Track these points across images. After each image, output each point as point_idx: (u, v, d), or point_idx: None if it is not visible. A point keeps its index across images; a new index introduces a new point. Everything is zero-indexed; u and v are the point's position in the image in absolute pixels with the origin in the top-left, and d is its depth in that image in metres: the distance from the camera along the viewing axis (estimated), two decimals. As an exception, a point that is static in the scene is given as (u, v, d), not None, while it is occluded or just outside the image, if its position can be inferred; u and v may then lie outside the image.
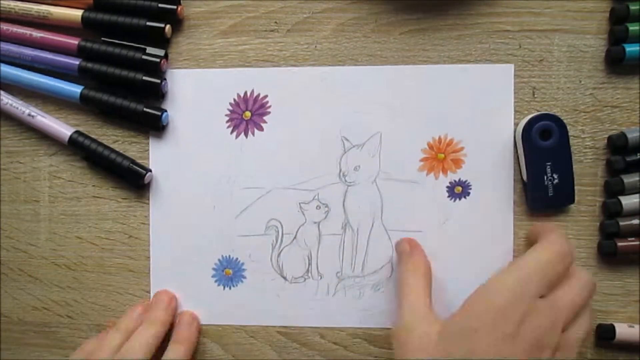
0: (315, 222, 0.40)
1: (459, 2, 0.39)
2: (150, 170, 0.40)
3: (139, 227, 0.41)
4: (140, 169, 0.40)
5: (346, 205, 0.39)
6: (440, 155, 0.39)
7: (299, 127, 0.39)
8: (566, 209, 0.38)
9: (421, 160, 0.39)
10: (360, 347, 0.40)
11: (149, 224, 0.41)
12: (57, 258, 0.42)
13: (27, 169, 0.42)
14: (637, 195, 0.37)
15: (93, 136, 0.41)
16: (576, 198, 0.38)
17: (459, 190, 0.39)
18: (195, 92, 0.40)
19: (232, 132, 0.40)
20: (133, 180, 0.40)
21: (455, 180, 0.39)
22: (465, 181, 0.39)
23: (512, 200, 0.38)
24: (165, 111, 0.40)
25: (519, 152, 0.38)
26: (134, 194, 0.41)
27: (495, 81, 0.38)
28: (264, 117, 0.40)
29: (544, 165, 0.36)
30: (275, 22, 0.40)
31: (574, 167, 0.37)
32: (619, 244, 0.37)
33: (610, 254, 0.37)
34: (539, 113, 0.37)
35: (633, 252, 0.37)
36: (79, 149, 0.40)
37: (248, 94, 0.40)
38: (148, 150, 0.41)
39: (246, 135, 0.40)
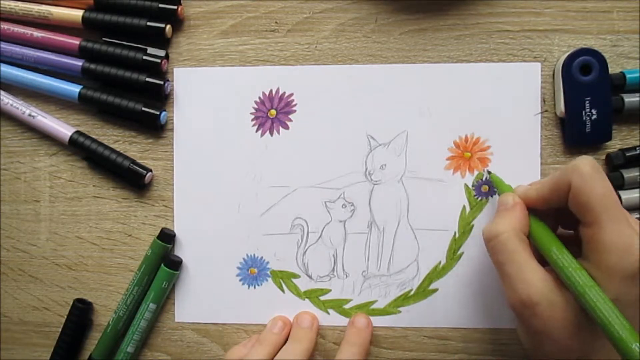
0: (340, 221, 0.40)
1: (459, 2, 0.39)
2: (151, 170, 0.40)
3: (139, 227, 0.41)
4: (141, 169, 0.40)
5: (372, 204, 0.39)
6: (467, 154, 0.39)
7: (324, 126, 0.40)
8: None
9: (447, 159, 0.39)
10: (361, 347, 0.40)
11: (149, 224, 0.41)
12: (57, 258, 0.42)
13: (28, 169, 0.42)
14: (637, 190, 0.37)
15: (93, 136, 0.41)
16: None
17: (485, 189, 0.39)
18: (219, 90, 0.40)
19: (257, 130, 0.40)
20: (133, 180, 0.40)
21: (481, 179, 0.39)
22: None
23: None
24: (164, 110, 0.40)
25: (556, 87, 0.38)
26: (135, 194, 0.41)
27: (522, 79, 0.38)
28: (290, 116, 0.40)
29: (582, 101, 0.36)
30: (276, 22, 0.40)
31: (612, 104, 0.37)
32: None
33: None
34: (579, 48, 0.37)
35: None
36: (79, 149, 0.40)
37: (273, 92, 0.40)
38: (148, 150, 0.41)
39: (271, 133, 0.40)
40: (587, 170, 0.30)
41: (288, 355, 0.37)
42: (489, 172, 0.38)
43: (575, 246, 0.32)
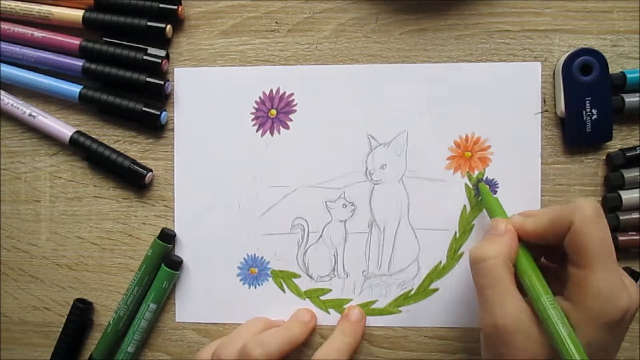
0: (341, 221, 0.40)
1: (459, 2, 0.39)
2: (151, 170, 0.40)
3: (139, 227, 0.41)
4: (141, 169, 0.40)
5: (372, 204, 0.39)
6: (467, 154, 0.39)
7: (325, 125, 0.40)
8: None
9: (448, 158, 0.39)
10: (361, 347, 0.40)
11: (149, 224, 0.41)
12: (57, 258, 0.42)
13: (28, 169, 0.42)
14: (637, 189, 0.37)
15: (94, 136, 0.41)
16: (576, 197, 0.38)
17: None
18: (219, 90, 0.40)
19: (257, 130, 0.40)
20: (134, 180, 0.40)
21: (482, 179, 0.39)
22: (492, 179, 0.39)
23: (539, 199, 0.38)
24: (165, 110, 0.40)
25: (556, 87, 0.38)
26: (135, 194, 0.41)
27: (522, 79, 0.38)
28: (290, 115, 0.40)
29: (583, 101, 0.37)
30: (276, 22, 0.40)
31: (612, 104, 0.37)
32: (620, 238, 0.37)
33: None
34: (579, 48, 0.37)
35: (633, 246, 0.37)
36: (79, 149, 0.40)
37: (274, 92, 0.40)
38: (148, 150, 0.41)
39: (272, 133, 0.40)
40: (590, 213, 0.30)
41: (339, 344, 0.37)
42: (479, 181, 0.38)
43: (557, 281, 0.32)
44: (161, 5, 0.39)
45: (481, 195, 0.38)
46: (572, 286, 0.30)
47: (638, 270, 0.38)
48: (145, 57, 0.39)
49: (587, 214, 0.30)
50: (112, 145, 0.41)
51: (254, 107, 0.40)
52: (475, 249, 0.33)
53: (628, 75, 0.37)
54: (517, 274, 0.32)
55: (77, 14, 0.39)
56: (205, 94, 0.40)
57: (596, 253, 0.29)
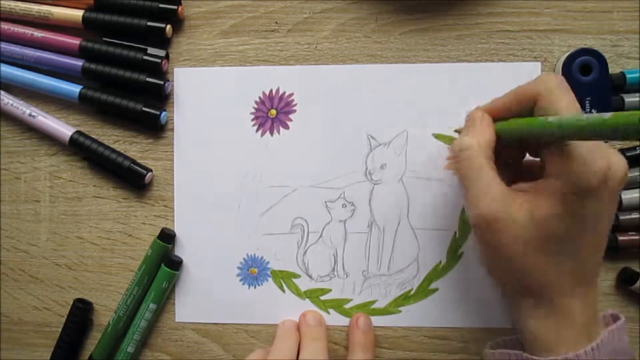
0: (341, 221, 0.40)
1: (459, 2, 0.39)
2: (151, 170, 0.40)
3: (139, 227, 0.41)
4: (141, 169, 0.40)
5: (372, 204, 0.39)
6: None
7: (324, 125, 0.40)
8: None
9: (448, 158, 0.39)
10: (361, 347, 0.40)
11: (149, 224, 0.41)
12: (57, 258, 0.42)
13: (28, 169, 0.42)
14: (637, 190, 0.37)
15: (93, 136, 0.41)
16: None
17: None
18: (219, 90, 0.40)
19: (257, 130, 0.40)
20: (134, 181, 0.40)
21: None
22: None
23: None
24: (164, 110, 0.40)
25: None
26: (135, 194, 0.41)
27: (522, 79, 0.38)
28: (290, 115, 0.40)
29: (583, 101, 0.37)
30: (276, 22, 0.40)
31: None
32: (620, 237, 0.37)
33: (611, 247, 0.37)
34: (579, 48, 0.37)
35: (633, 246, 0.37)
36: (79, 149, 0.40)
37: (273, 92, 0.40)
38: (148, 150, 0.41)
39: (272, 133, 0.40)
40: (554, 83, 0.30)
41: (313, 354, 0.36)
42: (457, 131, 0.38)
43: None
44: (161, 5, 0.39)
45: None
46: (549, 161, 0.30)
47: (638, 270, 0.38)
48: (145, 57, 0.39)
49: (551, 84, 0.30)
50: (112, 145, 0.41)
51: (254, 107, 0.40)
52: (456, 140, 0.33)
53: (628, 76, 0.37)
54: (508, 134, 0.32)
55: (77, 14, 0.40)
56: (205, 94, 0.40)
57: None
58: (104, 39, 0.40)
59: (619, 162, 0.29)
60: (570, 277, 0.30)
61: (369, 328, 0.39)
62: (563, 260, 0.30)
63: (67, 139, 0.40)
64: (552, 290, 0.30)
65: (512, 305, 0.32)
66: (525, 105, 0.31)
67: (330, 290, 0.40)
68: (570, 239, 0.29)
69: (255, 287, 0.40)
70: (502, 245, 0.30)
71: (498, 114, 0.33)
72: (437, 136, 0.39)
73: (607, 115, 0.25)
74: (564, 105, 0.29)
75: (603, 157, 0.28)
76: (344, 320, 0.40)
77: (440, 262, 0.39)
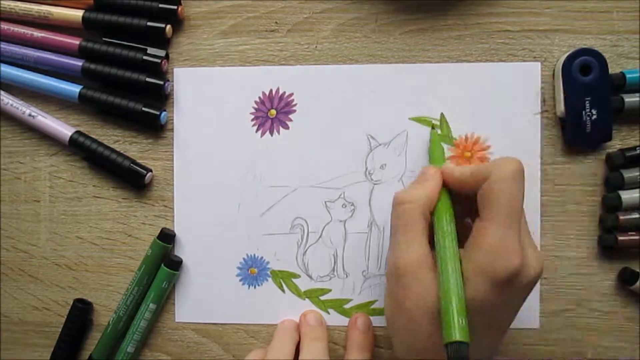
0: (341, 221, 0.40)
1: (459, 2, 0.39)
2: (151, 170, 0.40)
3: (139, 227, 0.41)
4: (141, 169, 0.40)
5: (372, 204, 0.39)
6: (467, 154, 0.39)
7: (324, 125, 0.40)
8: (566, 208, 0.38)
9: (448, 158, 0.39)
10: (361, 347, 0.40)
11: (149, 224, 0.41)
12: (57, 258, 0.42)
13: (28, 169, 0.42)
14: (637, 190, 0.37)
15: (93, 136, 0.41)
16: (577, 197, 0.38)
17: None
18: (219, 90, 0.40)
19: (257, 130, 0.40)
20: (133, 181, 0.40)
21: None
22: None
23: (538, 199, 0.38)
24: (164, 110, 0.40)
25: (556, 87, 0.38)
26: (135, 194, 0.41)
27: (522, 79, 0.38)
28: (290, 115, 0.40)
29: (582, 101, 0.37)
30: (276, 22, 0.40)
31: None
32: (620, 238, 0.37)
33: (611, 247, 0.38)
34: (579, 48, 0.37)
35: (633, 246, 0.37)
36: (79, 149, 0.40)
37: (273, 92, 0.40)
38: (148, 150, 0.41)
39: (271, 133, 0.40)
40: (508, 171, 0.31)
41: (313, 354, 0.36)
42: (433, 127, 0.38)
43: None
44: (161, 5, 0.39)
45: (430, 141, 0.38)
46: (471, 237, 0.31)
47: (638, 270, 0.38)
48: (145, 57, 0.39)
49: (503, 171, 0.30)
50: (112, 145, 0.41)
51: (254, 107, 0.40)
52: (399, 192, 0.34)
53: (628, 76, 0.37)
54: (433, 218, 0.33)
55: (76, 14, 0.39)
56: (205, 94, 0.40)
57: (500, 209, 0.30)
58: (103, 39, 0.40)
59: (536, 264, 0.30)
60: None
61: (367, 328, 0.39)
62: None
63: (67, 139, 0.40)
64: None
65: None
66: (478, 183, 0.32)
67: (330, 290, 0.40)
68: (470, 317, 0.29)
69: (255, 287, 0.40)
70: (405, 301, 0.31)
71: (451, 183, 0.34)
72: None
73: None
74: (506, 196, 0.30)
75: (516, 254, 0.29)
76: (344, 320, 0.40)
77: (440, 262, 0.39)
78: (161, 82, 0.39)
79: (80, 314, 0.41)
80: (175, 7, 0.39)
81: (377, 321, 0.40)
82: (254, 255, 0.40)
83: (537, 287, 0.39)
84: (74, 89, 0.40)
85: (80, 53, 0.40)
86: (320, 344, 0.37)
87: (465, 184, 0.33)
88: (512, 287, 0.29)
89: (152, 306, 0.40)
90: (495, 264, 0.29)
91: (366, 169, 0.39)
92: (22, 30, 0.40)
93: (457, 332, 0.28)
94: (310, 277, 0.40)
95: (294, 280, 0.40)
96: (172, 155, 0.40)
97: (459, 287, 0.29)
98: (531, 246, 0.31)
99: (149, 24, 0.39)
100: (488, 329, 0.31)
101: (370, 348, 0.38)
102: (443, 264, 0.30)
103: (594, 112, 0.37)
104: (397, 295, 0.32)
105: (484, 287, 0.29)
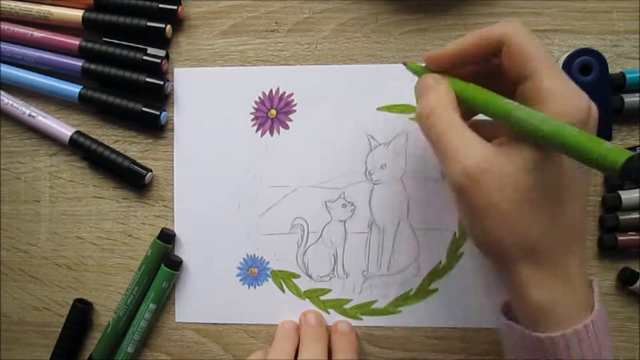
0: (341, 221, 0.40)
1: (459, 2, 0.39)
2: (151, 170, 0.40)
3: (139, 227, 0.41)
4: (141, 169, 0.40)
5: (372, 204, 0.39)
6: None
7: (324, 126, 0.40)
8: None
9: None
10: (361, 347, 0.40)
11: (149, 224, 0.41)
12: (57, 258, 0.42)
13: (28, 169, 0.42)
14: (637, 190, 0.37)
15: (93, 136, 0.41)
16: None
17: None
18: (219, 90, 0.40)
19: (257, 130, 0.40)
20: (133, 181, 0.40)
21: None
22: None
23: None
24: (164, 110, 0.40)
25: None
26: (135, 194, 0.41)
27: None
28: (290, 115, 0.40)
29: None
30: (276, 22, 0.40)
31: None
32: (619, 237, 0.37)
33: (611, 247, 0.38)
34: (579, 48, 0.37)
35: (633, 246, 0.37)
36: (79, 149, 0.40)
37: (273, 92, 0.40)
38: (148, 150, 0.41)
39: (271, 133, 0.40)
40: (521, 26, 0.28)
41: (312, 355, 0.36)
42: (405, 64, 0.35)
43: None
44: (161, 6, 0.39)
45: (409, 69, 0.35)
46: (527, 100, 0.28)
47: (638, 270, 0.38)
48: (145, 57, 0.39)
49: (519, 26, 0.28)
50: (112, 145, 0.41)
51: (254, 107, 0.40)
52: (418, 107, 0.30)
53: (628, 76, 0.37)
54: (469, 103, 0.30)
55: (76, 14, 0.39)
56: (205, 94, 0.40)
57: (544, 58, 0.28)
58: (103, 39, 0.40)
59: (591, 101, 0.28)
60: (566, 232, 0.28)
61: (350, 330, 0.39)
62: (558, 212, 0.27)
63: (67, 139, 0.40)
64: (552, 248, 0.27)
65: (507, 276, 0.29)
66: (485, 48, 0.29)
67: (330, 290, 0.40)
68: (565, 185, 0.27)
69: (255, 287, 0.40)
70: (493, 200, 0.27)
71: (454, 61, 0.31)
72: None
73: (575, 131, 0.24)
74: (536, 45, 0.28)
75: (582, 92, 0.27)
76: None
77: (440, 262, 0.39)
78: (161, 82, 0.39)
79: (80, 314, 0.41)
80: (175, 7, 0.39)
81: (378, 321, 0.40)
82: (254, 255, 0.40)
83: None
84: (74, 89, 0.40)
85: (80, 53, 0.40)
86: (319, 345, 0.37)
87: (469, 52, 0.30)
88: (588, 127, 0.27)
89: (152, 306, 0.40)
90: (572, 104, 0.26)
91: (366, 169, 0.39)
92: (22, 30, 0.40)
93: (616, 151, 0.23)
94: (310, 277, 0.40)
95: (294, 280, 0.40)
96: (172, 155, 0.40)
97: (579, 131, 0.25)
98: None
99: (149, 24, 0.39)
100: (582, 193, 0.28)
101: (353, 349, 0.38)
102: (531, 120, 0.26)
103: None
104: (483, 198, 0.27)
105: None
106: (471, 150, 0.27)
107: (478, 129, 0.29)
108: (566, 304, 0.28)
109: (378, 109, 0.39)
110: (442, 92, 0.30)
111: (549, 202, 0.27)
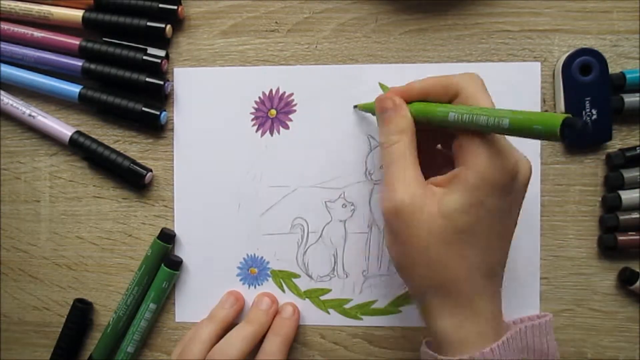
0: (341, 221, 0.40)
1: (459, 2, 0.39)
2: (151, 170, 0.40)
3: (139, 227, 0.41)
4: (141, 169, 0.40)
5: (372, 204, 0.39)
6: None
7: (324, 125, 0.40)
8: (566, 208, 0.38)
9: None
10: (361, 347, 0.40)
11: (149, 224, 0.41)
12: (57, 258, 0.42)
13: (28, 169, 0.42)
14: (637, 189, 0.37)
15: (93, 136, 0.41)
16: (577, 197, 0.38)
17: None
18: (219, 90, 0.40)
19: (257, 130, 0.40)
20: (133, 180, 0.40)
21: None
22: None
23: (538, 199, 0.38)
24: (164, 110, 0.40)
25: (556, 87, 0.38)
26: (135, 194, 0.41)
27: (522, 79, 0.38)
28: (290, 115, 0.40)
29: (583, 101, 0.37)
30: (276, 22, 0.40)
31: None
32: (619, 237, 0.37)
33: (611, 247, 0.38)
34: (579, 48, 0.37)
35: (633, 246, 0.37)
36: (79, 149, 0.40)
37: (273, 92, 0.40)
38: (148, 150, 0.41)
39: (271, 133, 0.40)
40: (480, 82, 0.31)
41: (236, 334, 0.37)
42: (355, 107, 0.38)
43: (450, 166, 0.31)
44: (161, 5, 0.39)
45: (360, 110, 0.38)
46: (466, 153, 0.29)
47: (638, 270, 0.38)
48: (145, 57, 0.39)
49: (478, 82, 0.30)
50: (112, 145, 0.41)
51: (254, 107, 0.40)
52: (381, 137, 0.32)
53: (628, 75, 0.37)
54: (421, 118, 0.32)
55: (76, 14, 0.39)
56: (205, 94, 0.40)
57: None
58: (103, 39, 0.40)
59: (525, 163, 0.30)
60: (477, 271, 0.30)
61: (290, 315, 0.39)
62: (471, 253, 0.29)
63: (67, 139, 0.40)
64: (459, 285, 0.30)
65: (420, 305, 0.32)
66: (442, 93, 0.31)
67: (330, 290, 0.40)
68: (479, 232, 0.29)
69: (255, 287, 0.40)
70: (411, 236, 0.30)
71: (415, 96, 0.32)
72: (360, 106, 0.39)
73: (505, 123, 0.26)
74: (487, 104, 0.30)
75: (514, 155, 0.29)
76: (344, 321, 0.40)
77: (440, 262, 0.39)
78: (161, 82, 0.39)
79: (80, 314, 0.41)
80: (175, 7, 0.39)
81: (378, 321, 0.40)
82: (254, 255, 0.40)
83: (537, 287, 0.39)
84: (74, 89, 0.40)
85: (80, 53, 0.40)
86: (251, 327, 0.37)
87: (429, 93, 0.32)
88: (515, 189, 0.30)
89: (152, 306, 0.40)
90: (500, 169, 0.28)
91: (366, 169, 0.39)
92: (22, 30, 0.40)
93: (553, 115, 0.24)
94: (310, 277, 0.40)
95: (294, 280, 0.40)
96: (172, 155, 0.40)
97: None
98: (513, 147, 0.30)
99: (149, 24, 0.39)
100: (497, 238, 0.30)
101: (287, 333, 0.38)
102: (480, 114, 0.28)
103: (594, 112, 0.37)
104: (404, 231, 0.30)
105: (492, 194, 0.29)
106: (404, 186, 0.30)
107: (436, 156, 0.33)
108: (467, 334, 0.30)
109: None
110: (402, 124, 0.32)
111: (463, 246, 0.29)
